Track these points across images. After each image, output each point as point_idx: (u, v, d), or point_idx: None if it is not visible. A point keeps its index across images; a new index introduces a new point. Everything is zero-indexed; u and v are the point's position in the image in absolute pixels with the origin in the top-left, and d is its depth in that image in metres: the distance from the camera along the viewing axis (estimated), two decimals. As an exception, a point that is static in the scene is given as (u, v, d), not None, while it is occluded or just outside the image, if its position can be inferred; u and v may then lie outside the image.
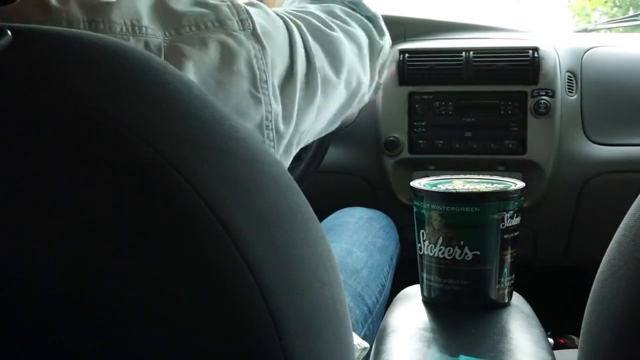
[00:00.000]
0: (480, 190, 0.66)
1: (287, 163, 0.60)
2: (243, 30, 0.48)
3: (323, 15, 0.64)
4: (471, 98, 1.36)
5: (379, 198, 1.46)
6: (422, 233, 0.68)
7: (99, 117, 0.33)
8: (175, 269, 0.33)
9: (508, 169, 1.38)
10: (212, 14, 0.47)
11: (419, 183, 0.68)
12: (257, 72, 0.48)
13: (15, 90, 0.33)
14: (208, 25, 0.47)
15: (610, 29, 1.75)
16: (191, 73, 0.45)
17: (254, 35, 0.48)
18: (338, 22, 0.66)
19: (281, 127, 0.53)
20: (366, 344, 0.81)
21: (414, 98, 1.38)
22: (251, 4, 0.54)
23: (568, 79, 1.39)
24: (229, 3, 0.49)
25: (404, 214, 1.36)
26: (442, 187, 0.67)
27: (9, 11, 0.42)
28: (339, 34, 0.64)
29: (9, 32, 0.34)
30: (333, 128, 0.72)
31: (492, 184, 0.68)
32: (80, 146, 0.32)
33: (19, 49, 0.34)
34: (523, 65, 1.35)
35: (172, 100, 0.38)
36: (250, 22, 0.49)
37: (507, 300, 0.69)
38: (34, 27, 0.39)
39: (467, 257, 0.65)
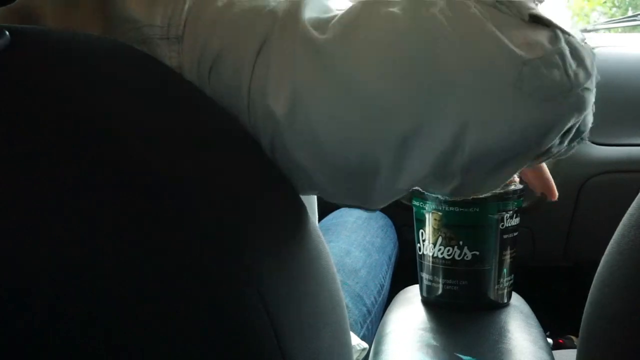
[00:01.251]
0: None
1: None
2: (167, 34, 0.41)
3: None
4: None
5: (377, 198, 1.46)
6: (422, 233, 0.68)
7: (98, 118, 0.33)
8: (172, 270, 0.33)
9: (507, 169, 1.38)
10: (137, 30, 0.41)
11: None
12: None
13: (14, 91, 0.33)
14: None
15: (609, 29, 1.76)
16: None
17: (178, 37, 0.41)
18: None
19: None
20: (365, 345, 0.81)
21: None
22: None
23: (567, 79, 1.39)
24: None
25: (402, 213, 1.35)
26: None
27: None
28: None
29: (7, 33, 0.34)
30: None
31: None
32: (79, 146, 0.32)
33: (18, 49, 0.34)
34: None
35: (172, 101, 0.38)
36: (180, 20, 0.41)
37: (506, 301, 0.70)
38: (33, 28, 0.39)
39: (467, 257, 0.65)
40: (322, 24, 0.40)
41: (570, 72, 0.40)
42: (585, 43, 0.43)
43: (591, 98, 0.43)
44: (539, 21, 0.40)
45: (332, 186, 0.44)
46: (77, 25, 0.44)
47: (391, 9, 0.40)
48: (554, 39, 0.40)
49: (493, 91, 0.39)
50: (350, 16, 0.40)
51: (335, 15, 0.42)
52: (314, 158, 0.41)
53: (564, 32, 0.41)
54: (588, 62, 0.42)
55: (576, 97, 0.41)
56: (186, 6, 0.42)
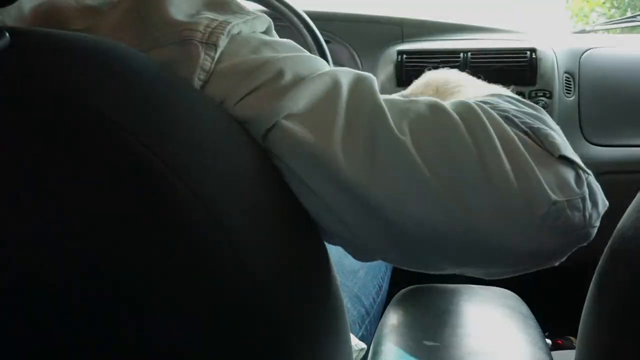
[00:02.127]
0: None
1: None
2: (206, 40, 0.43)
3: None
4: (469, 99, 1.36)
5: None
6: None
7: (96, 119, 0.33)
8: (172, 270, 0.33)
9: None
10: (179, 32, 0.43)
11: None
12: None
13: (13, 91, 0.33)
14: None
15: (608, 30, 1.76)
16: None
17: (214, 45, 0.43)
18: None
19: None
20: (363, 345, 0.81)
21: (412, 99, 1.38)
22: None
23: (566, 80, 1.39)
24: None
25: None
26: None
27: None
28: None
29: (7, 34, 0.34)
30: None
31: None
32: (77, 147, 0.32)
33: (17, 50, 0.34)
34: (521, 66, 1.35)
35: (170, 103, 0.38)
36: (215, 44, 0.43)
37: None
38: (32, 29, 0.39)
39: None
40: (397, 116, 0.44)
41: (587, 214, 0.45)
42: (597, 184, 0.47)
43: (595, 232, 0.48)
44: (565, 158, 0.45)
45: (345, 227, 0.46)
46: (104, 28, 0.44)
47: (452, 117, 0.44)
48: (579, 181, 0.45)
49: (522, 218, 0.43)
50: (421, 117, 0.44)
51: (397, 102, 0.45)
52: (356, 211, 0.44)
53: (584, 171, 0.46)
54: (600, 204, 0.47)
55: (586, 233, 0.46)
56: (230, 27, 0.44)
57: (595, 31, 1.72)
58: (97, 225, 0.31)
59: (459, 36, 1.51)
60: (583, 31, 1.73)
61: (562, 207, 0.43)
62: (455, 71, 0.66)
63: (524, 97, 1.36)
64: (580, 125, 1.38)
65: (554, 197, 0.43)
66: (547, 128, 0.46)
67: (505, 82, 1.43)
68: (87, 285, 0.31)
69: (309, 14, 1.18)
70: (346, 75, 0.46)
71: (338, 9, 1.61)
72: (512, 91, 0.56)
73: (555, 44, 1.42)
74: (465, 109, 0.45)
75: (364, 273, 1.06)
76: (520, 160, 0.43)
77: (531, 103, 0.50)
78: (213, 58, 0.42)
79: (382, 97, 0.45)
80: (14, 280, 0.30)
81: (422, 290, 0.80)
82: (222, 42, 0.43)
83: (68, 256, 0.31)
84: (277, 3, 1.16)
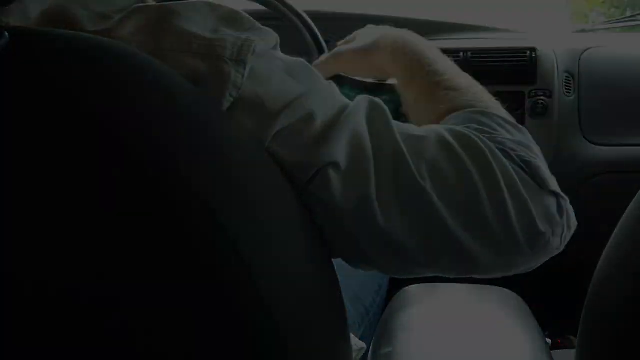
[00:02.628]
0: None
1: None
2: (236, 57, 0.44)
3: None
4: (469, 98, 1.36)
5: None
6: None
7: (96, 118, 0.33)
8: (173, 269, 0.33)
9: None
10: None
11: None
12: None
13: (13, 91, 0.33)
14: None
15: (608, 29, 1.76)
16: None
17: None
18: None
19: None
20: (363, 345, 0.81)
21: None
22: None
23: (566, 80, 1.39)
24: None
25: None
26: None
27: None
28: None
29: (7, 34, 0.34)
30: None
31: None
32: (77, 146, 0.32)
33: (17, 49, 0.34)
34: (521, 66, 1.35)
35: (170, 102, 0.38)
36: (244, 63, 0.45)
37: None
38: (32, 29, 0.39)
39: None
40: (415, 158, 0.47)
41: (563, 237, 0.51)
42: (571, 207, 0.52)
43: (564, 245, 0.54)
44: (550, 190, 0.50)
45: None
46: (117, 33, 0.44)
47: (464, 159, 0.48)
48: (560, 210, 0.50)
49: (516, 247, 0.48)
50: (436, 161, 0.48)
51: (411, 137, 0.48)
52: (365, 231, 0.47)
53: (564, 199, 0.51)
54: (572, 226, 0.52)
55: (558, 250, 0.52)
56: (254, 46, 0.45)
57: (595, 31, 1.72)
58: (97, 226, 0.31)
59: (459, 36, 1.51)
60: (583, 31, 1.73)
61: (548, 237, 0.49)
62: (415, 36, 0.65)
63: (523, 96, 1.37)
64: (580, 125, 1.38)
65: (542, 229, 0.48)
66: (536, 159, 0.51)
67: (505, 82, 1.43)
68: (85, 282, 0.31)
69: (309, 14, 1.17)
70: (362, 109, 0.48)
71: (338, 9, 1.62)
72: (497, 99, 0.57)
73: (555, 44, 1.42)
74: (471, 147, 0.49)
75: (364, 273, 1.06)
76: (520, 197, 0.48)
77: (515, 122, 0.54)
78: (243, 75, 0.44)
79: (397, 130, 0.48)
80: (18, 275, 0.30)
81: (422, 290, 0.80)
82: (250, 60, 0.44)
83: (68, 255, 0.31)
84: (277, 3, 1.16)
